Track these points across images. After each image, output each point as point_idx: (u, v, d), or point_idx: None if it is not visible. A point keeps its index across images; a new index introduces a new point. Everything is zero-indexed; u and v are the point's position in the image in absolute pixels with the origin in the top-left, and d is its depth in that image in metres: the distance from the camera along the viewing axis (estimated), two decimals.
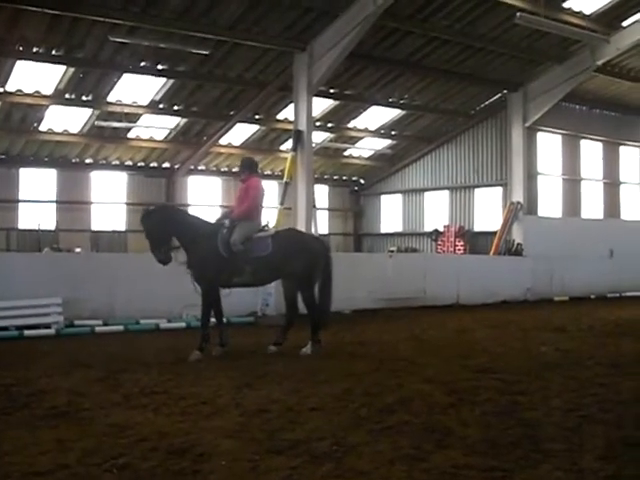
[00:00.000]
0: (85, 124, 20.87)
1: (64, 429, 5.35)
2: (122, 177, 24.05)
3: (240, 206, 9.06)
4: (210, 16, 15.50)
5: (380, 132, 24.95)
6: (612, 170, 26.15)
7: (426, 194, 26.83)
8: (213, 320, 9.14)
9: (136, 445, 4.93)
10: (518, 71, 20.97)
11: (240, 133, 23.44)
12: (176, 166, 24.51)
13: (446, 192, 26.01)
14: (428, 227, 26.24)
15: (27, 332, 10.45)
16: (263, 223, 9.38)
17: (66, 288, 11.16)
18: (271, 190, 25.94)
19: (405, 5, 16.15)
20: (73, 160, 22.86)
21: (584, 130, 24.69)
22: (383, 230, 28.43)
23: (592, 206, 25.33)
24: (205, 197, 25.22)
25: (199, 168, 25.02)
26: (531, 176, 22.70)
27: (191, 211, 23.29)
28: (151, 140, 22.79)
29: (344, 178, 28.63)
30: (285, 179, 17.56)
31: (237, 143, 24.04)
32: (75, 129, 21.19)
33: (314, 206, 17.41)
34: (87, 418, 5.70)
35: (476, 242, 24.36)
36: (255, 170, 9.52)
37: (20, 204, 22.40)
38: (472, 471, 4.46)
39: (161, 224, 8.81)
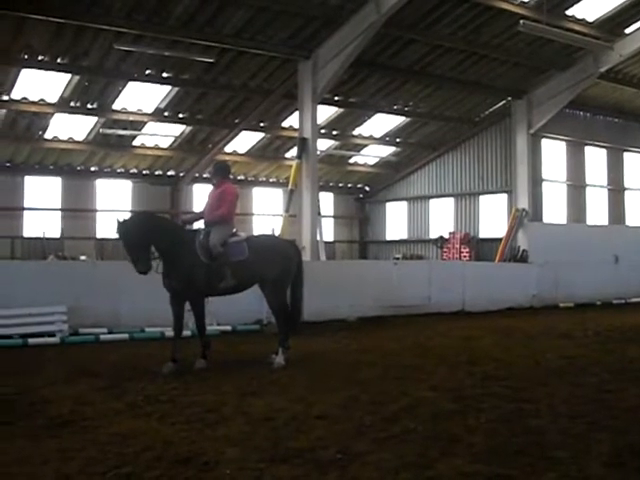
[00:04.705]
0: (90, 132, 20.93)
1: (67, 438, 5.33)
2: (127, 185, 24.10)
3: (216, 211, 8.87)
4: (215, 24, 15.55)
5: (385, 139, 24.95)
6: (616, 176, 26.08)
7: (431, 201, 26.82)
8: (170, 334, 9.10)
9: (140, 454, 4.92)
10: (522, 78, 20.96)
11: (245, 141, 23.47)
12: (181, 174, 24.56)
13: (451, 199, 25.98)
14: (433, 234, 26.20)
15: (31, 340, 10.41)
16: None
17: (71, 296, 11.13)
18: (276, 198, 26.10)
19: (408, 13, 16.16)
20: (78, 168, 22.93)
21: (588, 136, 24.65)
22: (388, 237, 28.39)
23: (597, 212, 25.25)
24: None
25: (204, 176, 24.99)
26: (536, 183, 22.64)
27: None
28: (156, 148, 22.84)
29: (349, 185, 28.64)
30: (290, 187, 17.56)
31: (242, 151, 24.08)
32: (80, 137, 21.24)
33: (319, 214, 17.41)
34: (90, 427, 5.67)
35: (481, 249, 24.32)
36: (228, 175, 9.37)
37: (25, 212, 22.45)
38: (478, 478, 4.44)
39: (138, 232, 8.35)
